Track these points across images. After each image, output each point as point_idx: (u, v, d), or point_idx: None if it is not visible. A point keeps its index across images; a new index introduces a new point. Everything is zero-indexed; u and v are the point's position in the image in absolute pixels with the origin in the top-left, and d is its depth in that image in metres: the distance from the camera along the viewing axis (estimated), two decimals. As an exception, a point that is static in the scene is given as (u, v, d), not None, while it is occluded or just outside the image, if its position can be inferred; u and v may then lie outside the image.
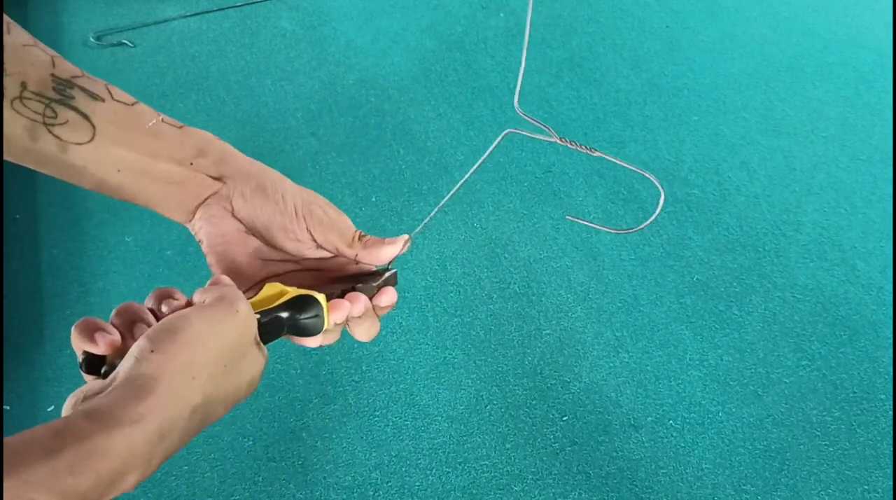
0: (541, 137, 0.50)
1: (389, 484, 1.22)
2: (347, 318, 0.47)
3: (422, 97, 1.89)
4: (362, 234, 0.49)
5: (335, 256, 0.49)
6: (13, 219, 1.58)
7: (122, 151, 0.42)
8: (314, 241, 0.47)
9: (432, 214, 0.52)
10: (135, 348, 0.36)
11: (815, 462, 1.26)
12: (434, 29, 2.11)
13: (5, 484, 0.29)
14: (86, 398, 0.35)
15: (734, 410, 1.32)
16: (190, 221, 0.47)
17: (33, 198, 1.62)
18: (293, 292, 0.44)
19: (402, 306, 1.45)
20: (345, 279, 0.50)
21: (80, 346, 0.37)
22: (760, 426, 1.30)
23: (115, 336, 0.37)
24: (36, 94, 0.40)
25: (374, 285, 0.49)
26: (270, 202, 0.46)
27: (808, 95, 1.95)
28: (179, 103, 1.83)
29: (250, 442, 1.26)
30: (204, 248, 0.47)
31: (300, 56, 2.01)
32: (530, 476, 1.23)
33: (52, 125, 0.40)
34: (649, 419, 1.31)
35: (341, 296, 0.47)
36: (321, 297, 0.45)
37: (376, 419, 1.29)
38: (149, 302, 0.41)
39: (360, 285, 0.48)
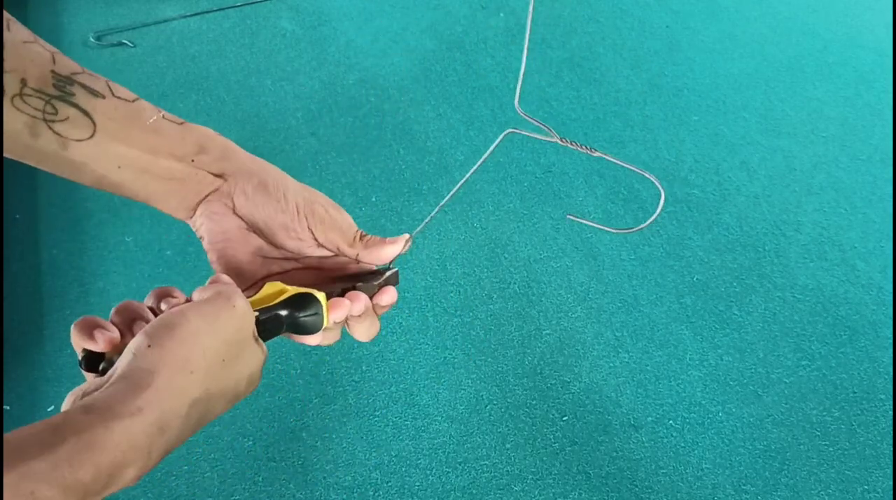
0: (541, 138, 0.50)
1: (389, 484, 1.22)
2: (347, 317, 0.46)
3: (422, 97, 1.89)
4: (363, 233, 0.49)
5: (336, 255, 0.49)
6: (13, 219, 1.58)
7: (122, 147, 0.42)
8: (315, 240, 0.47)
9: (433, 213, 0.52)
10: (132, 344, 0.36)
11: (815, 462, 1.26)
12: (434, 29, 2.11)
13: (5, 478, 0.29)
14: (84, 395, 0.35)
15: (734, 410, 1.32)
16: (191, 217, 0.46)
17: (33, 198, 1.62)
18: (293, 290, 0.44)
19: (402, 306, 1.45)
20: (345, 278, 0.50)
21: (79, 344, 0.38)
22: (760, 426, 1.30)
23: (114, 333, 0.37)
24: (36, 90, 0.40)
25: (375, 284, 0.49)
26: (272, 200, 0.45)
27: (808, 95, 1.95)
28: (179, 103, 1.83)
29: (250, 442, 1.26)
30: (205, 245, 0.47)
31: (300, 56, 2.01)
32: (530, 476, 1.23)
33: (53, 122, 0.40)
34: (649, 419, 1.31)
35: (342, 295, 0.47)
36: (321, 295, 0.45)
37: (376, 419, 1.29)
38: (148, 301, 0.41)
39: (360, 284, 0.48)
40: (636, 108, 1.89)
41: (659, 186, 0.46)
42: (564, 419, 1.30)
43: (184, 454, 1.23)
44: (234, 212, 0.46)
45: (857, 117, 1.90)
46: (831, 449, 1.28)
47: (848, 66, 2.04)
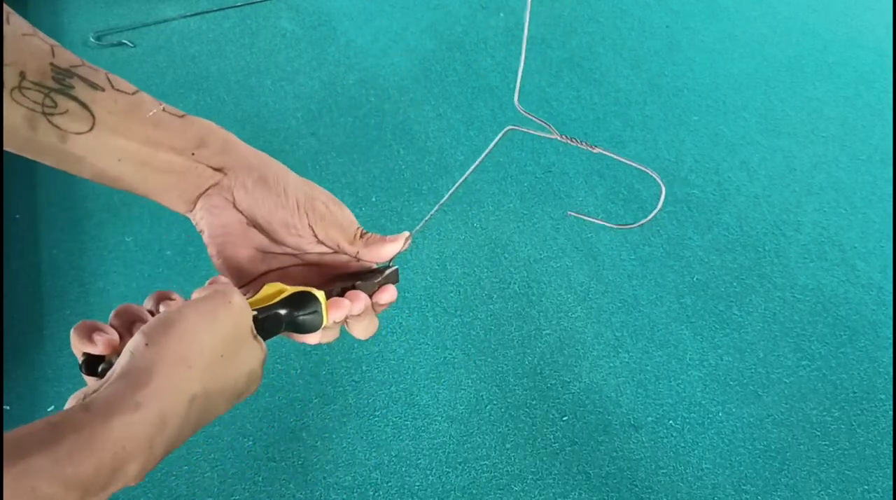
0: (541, 134, 0.49)
1: (389, 484, 1.22)
2: (347, 316, 0.46)
3: (422, 97, 1.89)
4: (364, 231, 0.48)
5: (336, 252, 0.48)
6: (13, 219, 1.58)
7: (121, 140, 0.42)
8: (315, 236, 0.47)
9: (433, 211, 0.52)
10: (130, 344, 0.36)
11: (815, 462, 1.26)
12: (434, 29, 2.11)
13: (5, 475, 0.29)
14: (86, 398, 0.35)
15: (734, 410, 1.32)
16: (191, 211, 0.46)
17: (33, 198, 1.62)
18: (292, 290, 0.44)
19: (402, 306, 1.45)
20: (345, 276, 0.50)
21: (79, 347, 0.38)
22: (760, 426, 1.30)
23: (113, 336, 0.38)
24: (35, 83, 0.40)
25: (375, 282, 0.49)
26: (272, 195, 0.45)
27: (808, 95, 1.95)
28: (179, 103, 1.82)
29: (250, 442, 1.26)
30: (205, 238, 0.46)
31: (300, 56, 2.01)
32: (530, 476, 1.23)
33: (52, 115, 0.40)
34: (649, 419, 1.31)
35: (341, 293, 0.47)
36: (320, 294, 0.44)
37: (376, 419, 1.29)
38: (147, 304, 0.41)
39: (360, 282, 0.48)
40: (636, 108, 1.89)
41: (659, 181, 0.46)
42: (564, 418, 1.30)
43: (184, 454, 1.23)
44: (235, 206, 0.45)
45: (857, 117, 1.90)
46: (831, 449, 1.28)
47: (848, 66, 2.04)
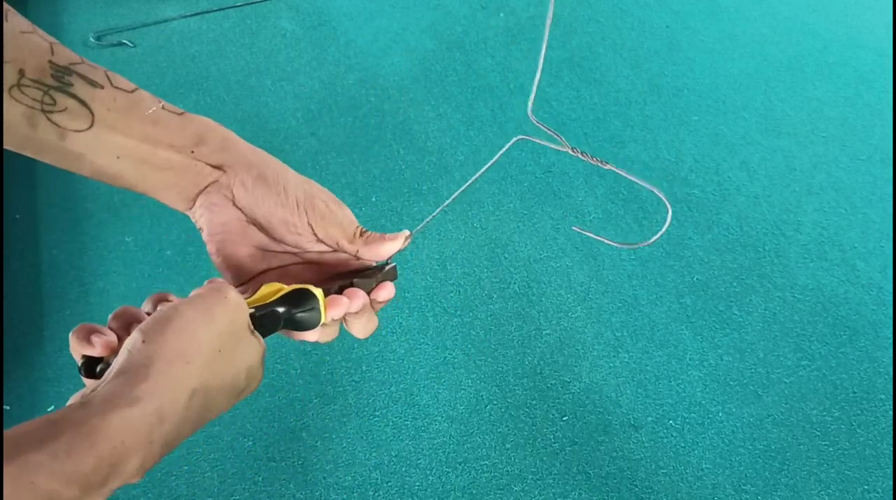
0: (552, 146, 0.49)
1: (389, 484, 1.22)
2: (345, 314, 0.46)
3: (422, 97, 1.89)
4: (363, 229, 0.48)
5: (336, 250, 0.48)
6: (13, 219, 1.58)
7: (120, 138, 0.42)
8: (314, 234, 0.47)
9: (435, 213, 0.52)
10: (128, 342, 0.36)
11: (815, 462, 1.26)
12: (434, 29, 2.11)
13: (4, 470, 0.29)
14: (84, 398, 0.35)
15: (734, 410, 1.32)
16: (190, 208, 0.46)
17: (33, 198, 1.62)
18: (289, 288, 0.44)
19: (402, 306, 1.45)
20: (345, 274, 0.50)
21: (77, 350, 0.38)
22: (760, 426, 1.30)
23: (111, 337, 0.38)
24: (34, 81, 0.40)
25: (373, 279, 0.48)
26: (272, 193, 0.45)
27: (808, 95, 1.95)
28: (179, 103, 1.80)
29: (250, 442, 1.26)
30: (204, 236, 0.46)
31: (300, 56, 2.01)
32: (530, 476, 1.23)
33: (51, 112, 0.40)
34: (649, 419, 1.31)
35: (340, 291, 0.46)
36: (318, 291, 0.44)
37: (376, 419, 1.29)
38: (146, 306, 0.41)
39: (357, 279, 0.48)
40: (636, 108, 1.89)
41: (667, 203, 0.46)
42: (564, 418, 1.30)
43: (184, 454, 1.23)
44: (234, 204, 0.45)
45: (857, 117, 1.90)
46: (831, 449, 1.28)
47: (848, 66, 2.04)
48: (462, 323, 1.42)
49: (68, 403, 0.36)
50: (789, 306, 1.48)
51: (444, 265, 1.52)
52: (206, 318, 0.38)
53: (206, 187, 0.45)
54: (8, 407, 1.28)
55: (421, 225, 0.51)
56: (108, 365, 0.37)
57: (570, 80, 1.96)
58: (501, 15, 2.17)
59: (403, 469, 1.23)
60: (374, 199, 1.65)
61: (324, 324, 0.45)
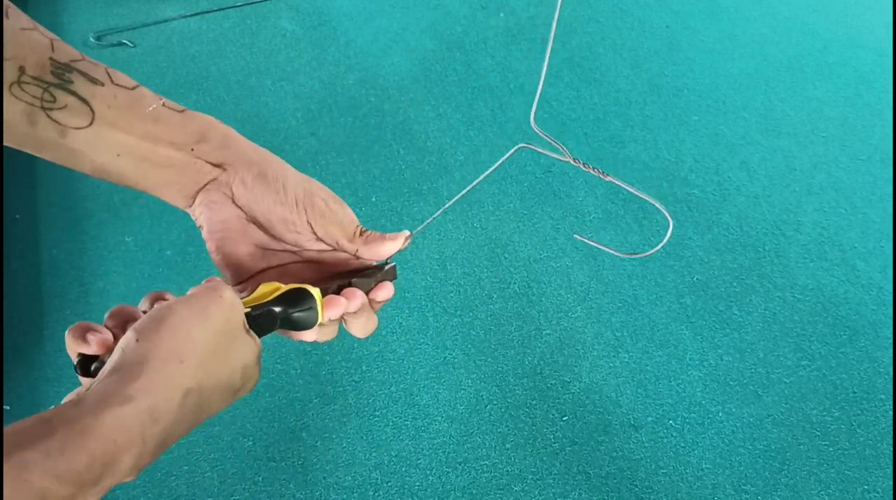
0: (553, 155, 0.49)
1: (389, 484, 1.22)
2: (343, 313, 0.46)
3: (422, 97, 1.89)
4: (363, 229, 0.48)
5: (335, 249, 0.48)
6: (13, 219, 1.58)
7: (121, 135, 0.42)
8: (314, 233, 0.47)
9: (435, 215, 0.52)
10: (122, 341, 0.36)
11: (815, 462, 1.26)
12: (434, 29, 2.11)
13: None
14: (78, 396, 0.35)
15: (734, 410, 1.32)
16: (190, 206, 0.46)
17: (33, 198, 1.62)
18: (286, 288, 0.44)
19: (402, 306, 1.45)
20: (345, 274, 0.49)
21: (73, 348, 0.38)
22: (760, 426, 1.30)
23: (107, 335, 0.38)
24: (34, 78, 0.39)
25: (372, 279, 0.48)
26: (271, 191, 0.45)
27: (808, 95, 1.95)
28: (179, 103, 1.82)
29: (250, 442, 1.26)
30: (204, 234, 0.46)
31: (300, 56, 2.00)
32: (530, 476, 1.23)
33: (51, 110, 0.40)
34: (649, 419, 1.31)
35: (338, 291, 0.46)
36: (315, 290, 0.44)
37: (376, 419, 1.29)
38: (143, 305, 0.41)
39: (356, 278, 0.47)
40: (636, 108, 1.89)
41: (668, 216, 0.46)
42: (564, 418, 1.30)
43: (184, 454, 1.23)
44: (234, 202, 0.45)
45: (857, 117, 1.90)
46: (831, 449, 1.28)
47: (848, 66, 2.04)
48: (462, 323, 1.42)
49: (63, 401, 0.35)
50: (789, 306, 1.48)
51: (444, 265, 1.52)
52: (200, 317, 0.38)
53: (205, 185, 0.45)
54: (8, 407, 1.28)
55: (421, 226, 0.51)
56: (103, 363, 0.37)
57: (570, 80, 1.96)
58: (501, 15, 2.17)
59: (403, 469, 1.23)
60: (374, 199, 1.65)
61: (321, 324, 0.45)
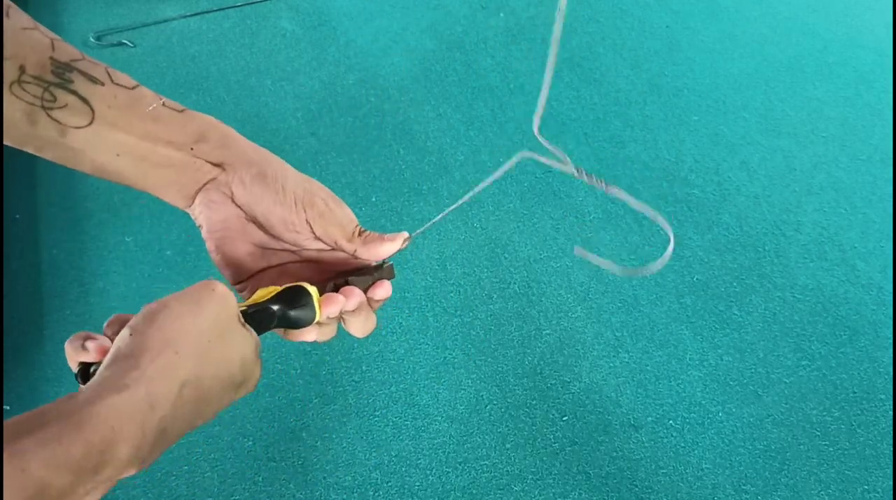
0: (556, 165, 0.49)
1: (389, 484, 1.22)
2: (342, 312, 0.46)
3: (422, 97, 1.89)
4: (362, 229, 0.48)
5: (334, 249, 0.48)
6: (13, 219, 1.58)
7: (120, 135, 0.42)
8: (313, 232, 0.47)
9: (435, 219, 0.52)
10: (117, 340, 0.36)
11: (815, 462, 1.26)
12: (434, 29, 2.11)
13: None
14: None
15: (734, 410, 1.32)
16: (190, 206, 0.46)
17: (33, 198, 1.62)
18: (283, 287, 0.44)
19: (402, 306, 1.45)
20: (344, 273, 0.49)
21: (73, 358, 0.38)
22: (760, 426, 1.30)
23: (105, 341, 0.38)
24: (35, 77, 0.40)
25: (370, 277, 0.48)
26: (270, 191, 0.45)
27: (808, 95, 1.95)
28: (179, 103, 1.82)
29: (250, 442, 1.26)
30: (203, 233, 0.46)
31: (300, 56, 2.01)
32: (530, 476, 1.23)
33: (51, 109, 0.40)
34: (649, 419, 1.31)
35: (336, 289, 0.46)
36: (312, 289, 0.44)
37: (376, 419, 1.29)
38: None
39: (353, 277, 0.47)
40: (636, 108, 1.89)
41: (669, 234, 0.46)
42: (564, 418, 1.30)
43: (184, 454, 1.23)
44: (233, 201, 0.45)
45: (857, 117, 1.90)
46: (831, 449, 1.28)
47: (848, 66, 2.04)
48: (462, 323, 1.42)
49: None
50: (789, 306, 1.48)
51: (444, 265, 1.52)
52: (193, 309, 0.38)
53: (205, 185, 0.45)
54: (8, 407, 1.28)
55: (420, 230, 0.51)
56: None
57: (570, 80, 1.96)
58: (501, 15, 2.17)
59: (403, 469, 1.23)
60: (374, 199, 1.65)
61: (319, 322, 0.45)
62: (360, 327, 0.48)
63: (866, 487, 1.24)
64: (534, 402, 1.32)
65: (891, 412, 1.33)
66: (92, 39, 1.99)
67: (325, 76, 1.94)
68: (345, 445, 1.26)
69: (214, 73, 1.94)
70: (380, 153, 1.75)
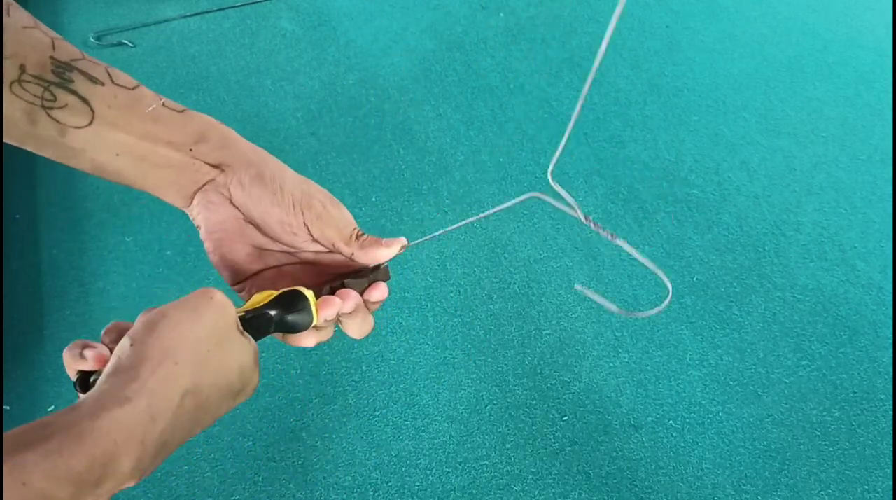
0: (565, 209, 0.49)
1: (389, 484, 1.22)
2: (339, 314, 0.46)
3: (422, 97, 1.89)
4: (360, 232, 0.48)
5: (331, 251, 0.48)
6: (13, 219, 1.58)
7: (120, 135, 0.42)
8: (310, 234, 0.46)
9: (436, 234, 0.52)
10: (117, 349, 0.36)
11: (815, 462, 1.26)
12: (434, 29, 2.11)
13: None
14: None
15: (734, 410, 1.32)
16: (188, 206, 0.46)
17: (33, 198, 1.62)
18: (280, 291, 0.44)
19: (402, 306, 1.45)
20: (340, 275, 0.49)
21: (72, 366, 0.38)
22: (760, 426, 1.30)
23: (103, 350, 0.38)
24: (35, 77, 0.39)
25: (366, 279, 0.48)
26: (268, 193, 0.45)
27: (808, 95, 1.95)
28: (179, 103, 1.82)
29: (250, 442, 1.26)
30: (202, 234, 0.46)
31: (300, 56, 2.00)
32: (530, 476, 1.23)
33: (51, 109, 0.40)
34: (649, 419, 1.31)
35: (332, 292, 0.46)
36: (309, 292, 0.44)
37: (376, 419, 1.29)
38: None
39: (349, 279, 0.47)
40: (636, 108, 1.89)
41: (667, 284, 0.46)
42: (564, 418, 1.30)
43: (184, 454, 1.23)
44: (231, 202, 0.45)
45: (857, 117, 1.90)
46: (831, 449, 1.28)
47: (848, 66, 2.04)
48: (462, 323, 1.42)
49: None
50: (789, 306, 1.48)
51: (444, 265, 1.52)
52: (192, 318, 0.38)
53: (203, 185, 0.45)
54: (8, 407, 1.28)
55: (418, 241, 0.51)
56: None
57: (570, 80, 1.96)
58: (501, 15, 2.17)
59: (403, 469, 1.23)
60: (374, 199, 1.65)
61: (316, 325, 0.45)
62: (357, 328, 0.48)
63: (866, 487, 1.24)
64: (534, 402, 1.32)
65: (891, 412, 1.33)
66: (92, 39, 1.99)
67: (325, 76, 1.94)
68: (345, 445, 1.26)
69: (214, 73, 1.94)
70: (380, 153, 1.75)
